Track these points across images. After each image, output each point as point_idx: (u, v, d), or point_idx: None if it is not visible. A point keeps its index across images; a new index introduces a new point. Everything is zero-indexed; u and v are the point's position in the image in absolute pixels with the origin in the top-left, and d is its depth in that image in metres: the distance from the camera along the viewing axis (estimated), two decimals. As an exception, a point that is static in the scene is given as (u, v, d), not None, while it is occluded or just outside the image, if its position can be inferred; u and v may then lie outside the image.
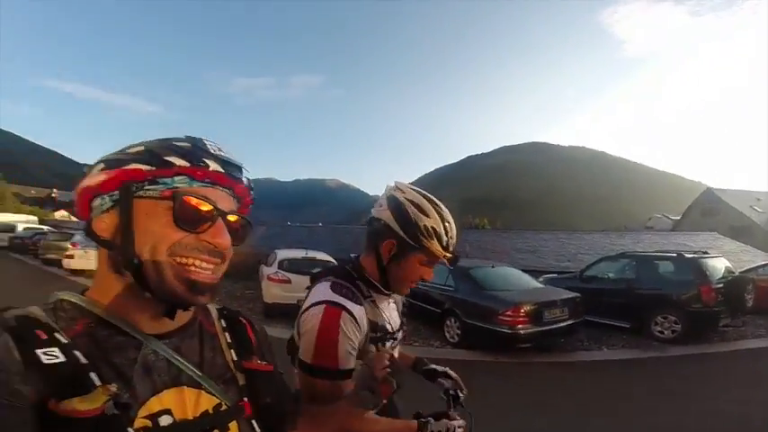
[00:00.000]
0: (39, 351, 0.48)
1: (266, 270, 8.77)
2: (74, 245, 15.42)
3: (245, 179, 0.63)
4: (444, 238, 1.09)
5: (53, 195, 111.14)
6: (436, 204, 1.11)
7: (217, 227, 0.58)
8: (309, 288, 1.13)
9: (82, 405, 0.46)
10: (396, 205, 1.09)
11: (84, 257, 14.09)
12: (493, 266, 7.39)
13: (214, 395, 0.61)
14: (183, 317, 0.62)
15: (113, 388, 0.50)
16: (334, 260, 8.72)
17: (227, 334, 0.69)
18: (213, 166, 0.58)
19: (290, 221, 33.55)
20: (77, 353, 0.51)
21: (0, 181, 59.02)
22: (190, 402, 0.58)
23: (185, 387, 0.58)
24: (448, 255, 1.10)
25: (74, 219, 62.45)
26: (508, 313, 5.72)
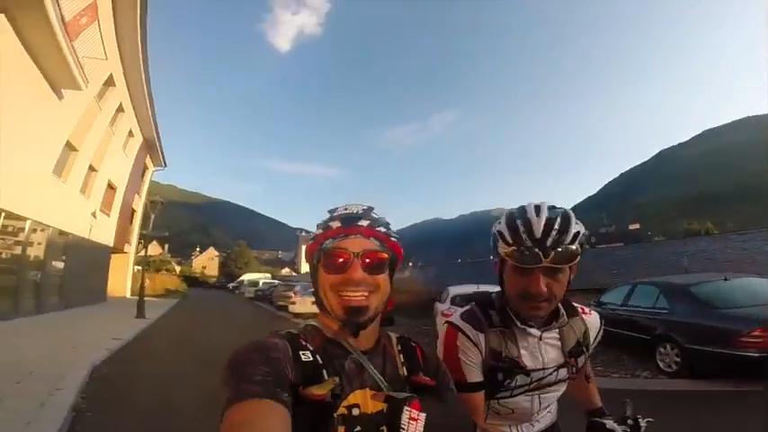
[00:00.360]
0: (300, 352, 0.72)
1: (440, 306, 9.16)
2: (294, 293, 19.32)
3: (364, 222, 0.82)
4: (509, 237, 1.01)
5: (279, 256, 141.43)
6: (521, 209, 1.03)
7: (353, 266, 0.77)
8: None
9: (317, 390, 0.67)
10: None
11: (302, 303, 17.66)
12: (726, 279, 6.03)
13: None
14: (371, 339, 0.84)
15: (336, 380, 0.70)
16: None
17: (401, 355, 0.88)
18: (335, 224, 0.82)
19: (459, 258, 33.53)
20: (317, 356, 0.74)
21: (246, 249, 78.29)
22: (372, 401, 0.75)
23: (369, 389, 0.76)
24: (519, 249, 0.97)
25: (294, 273, 77.94)
26: (755, 333, 4.45)
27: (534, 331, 1.08)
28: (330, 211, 0.86)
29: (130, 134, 19.25)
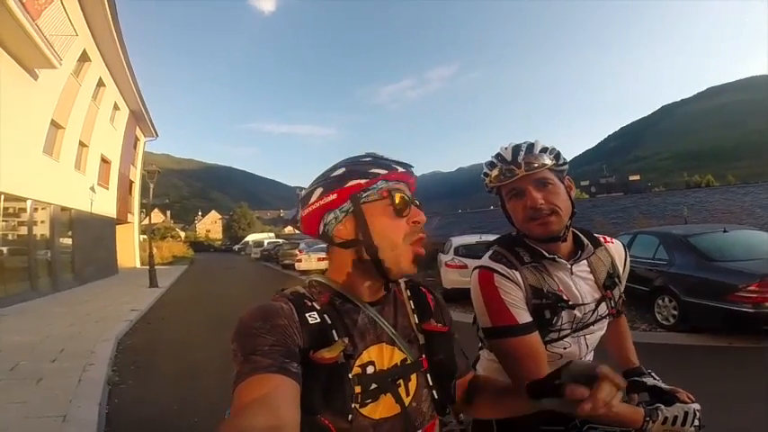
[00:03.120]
0: (307, 314, 0.69)
1: (443, 257, 9.24)
2: (300, 251, 19.63)
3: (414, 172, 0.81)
4: (488, 170, 1.11)
5: (281, 215, 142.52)
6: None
7: (413, 210, 0.75)
8: None
9: (327, 354, 0.64)
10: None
11: (308, 260, 17.87)
12: (725, 231, 5.98)
13: (403, 351, 0.75)
14: (382, 288, 0.80)
15: (347, 341, 0.68)
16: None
17: (411, 301, 0.84)
18: (400, 168, 0.77)
19: (460, 209, 33.54)
20: (325, 315, 0.71)
21: (248, 210, 78.64)
22: (386, 356, 0.73)
23: (384, 344, 0.74)
24: (512, 173, 1.05)
25: (297, 231, 78.56)
26: (752, 288, 4.51)
27: (564, 262, 1.06)
28: (372, 156, 0.79)
29: (116, 107, 18.96)
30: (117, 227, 20.05)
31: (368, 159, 0.78)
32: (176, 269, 22.18)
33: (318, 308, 0.71)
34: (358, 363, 0.70)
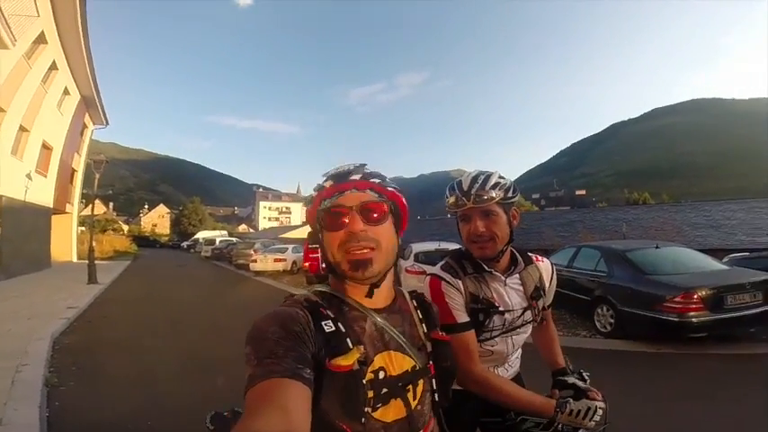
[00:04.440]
0: (322, 322, 0.71)
1: (403, 263, 9.42)
2: (255, 251, 19.03)
3: (356, 176, 0.81)
4: (448, 194, 1.27)
5: (235, 212, 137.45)
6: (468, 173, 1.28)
7: (352, 220, 0.76)
8: None
9: (343, 361, 0.67)
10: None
11: (263, 261, 17.32)
12: (657, 247, 6.51)
13: (412, 358, 0.79)
14: (387, 298, 0.84)
15: (362, 349, 0.71)
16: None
17: (418, 311, 0.89)
18: (328, 184, 0.81)
19: (419, 216, 34.06)
20: (339, 323, 0.73)
21: (200, 206, 75.09)
22: (396, 363, 0.76)
23: (392, 351, 0.77)
24: (463, 204, 1.22)
25: (252, 230, 76.33)
26: (677, 299, 5.00)
27: (499, 275, 1.28)
28: (324, 175, 0.85)
29: (66, 92, 17.76)
30: (53, 217, 18.52)
31: (323, 178, 0.84)
32: (118, 265, 20.80)
33: (333, 316, 0.74)
34: (370, 369, 0.73)
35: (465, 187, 1.23)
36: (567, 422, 1.12)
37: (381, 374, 0.74)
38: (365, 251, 0.75)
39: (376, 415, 0.72)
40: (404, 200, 0.86)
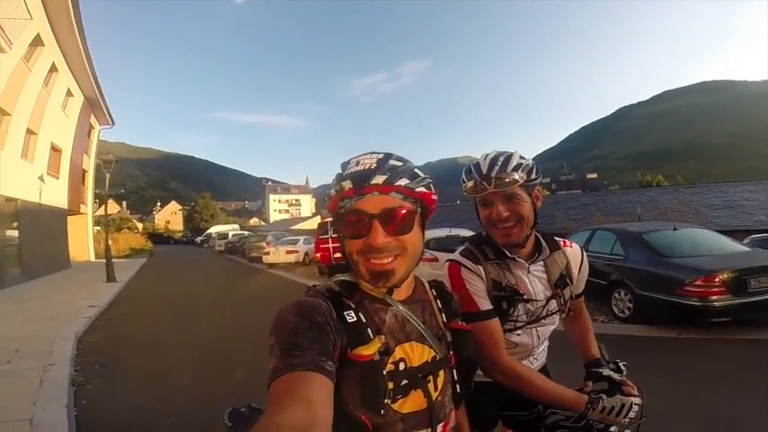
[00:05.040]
0: (345, 313, 0.71)
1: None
2: (268, 244, 19.25)
3: (379, 178, 0.72)
4: (465, 178, 1.19)
5: (246, 206, 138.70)
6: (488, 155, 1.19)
7: (373, 230, 0.71)
8: None
9: (364, 351, 0.67)
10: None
11: (276, 253, 17.55)
12: (675, 229, 6.35)
13: (432, 349, 0.78)
14: (408, 288, 0.82)
15: (383, 339, 0.71)
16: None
17: (438, 301, 0.87)
18: (347, 185, 0.74)
19: (428, 204, 33.88)
20: (360, 314, 0.73)
21: (211, 201, 75.80)
22: (416, 353, 0.76)
23: (414, 342, 0.77)
24: (483, 188, 1.14)
25: (263, 223, 77.00)
26: (697, 283, 4.88)
27: (522, 261, 1.20)
28: (343, 165, 0.78)
29: (69, 94, 17.88)
30: (69, 218, 18.86)
31: (342, 170, 0.77)
32: (135, 262, 21.17)
33: (354, 306, 0.73)
34: (391, 360, 0.72)
35: (484, 170, 1.14)
36: (599, 419, 1.06)
37: (402, 365, 0.73)
38: (387, 263, 0.73)
39: (395, 407, 0.71)
40: (433, 196, 0.80)
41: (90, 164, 23.11)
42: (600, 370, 1.22)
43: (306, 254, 17.25)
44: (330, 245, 12.73)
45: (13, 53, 10.97)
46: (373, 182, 0.72)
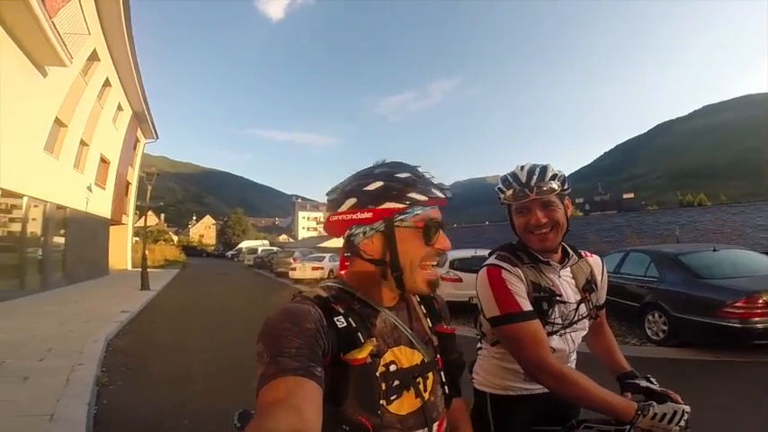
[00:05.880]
0: (334, 318, 0.71)
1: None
2: (294, 260, 19.60)
3: (448, 194, 0.81)
4: (504, 187, 1.25)
5: (276, 223, 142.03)
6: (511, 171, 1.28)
7: (441, 236, 0.78)
8: None
9: (357, 355, 0.68)
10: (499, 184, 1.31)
11: (302, 269, 17.88)
12: (715, 250, 6.14)
13: (421, 352, 0.80)
14: (396, 294, 0.83)
15: (375, 343, 0.72)
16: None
17: (422, 306, 0.90)
18: (438, 194, 0.78)
19: (455, 224, 33.60)
20: (350, 319, 0.73)
21: (243, 217, 78.27)
22: (406, 357, 0.78)
23: (402, 346, 0.78)
24: (525, 195, 1.20)
25: (291, 240, 78.71)
26: (738, 304, 4.64)
27: (556, 264, 1.25)
28: (413, 172, 0.79)
29: (119, 108, 19.07)
30: (110, 228, 19.93)
31: (406, 177, 0.78)
32: (168, 273, 21.99)
33: (342, 311, 0.74)
34: (382, 363, 0.74)
35: (524, 179, 1.21)
36: (649, 427, 1.00)
37: (393, 367, 0.75)
38: (439, 270, 0.79)
39: (391, 408, 0.73)
40: None
41: (134, 176, 24.44)
42: (637, 381, 1.19)
43: (331, 270, 17.46)
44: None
45: (73, 67, 11.70)
46: (448, 195, 0.81)
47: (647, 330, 5.80)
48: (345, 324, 0.72)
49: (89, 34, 11.90)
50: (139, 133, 24.28)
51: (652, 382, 1.16)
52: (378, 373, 0.71)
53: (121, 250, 23.13)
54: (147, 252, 15.09)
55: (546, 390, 1.18)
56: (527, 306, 1.14)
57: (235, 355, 5.72)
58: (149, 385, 4.38)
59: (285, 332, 0.64)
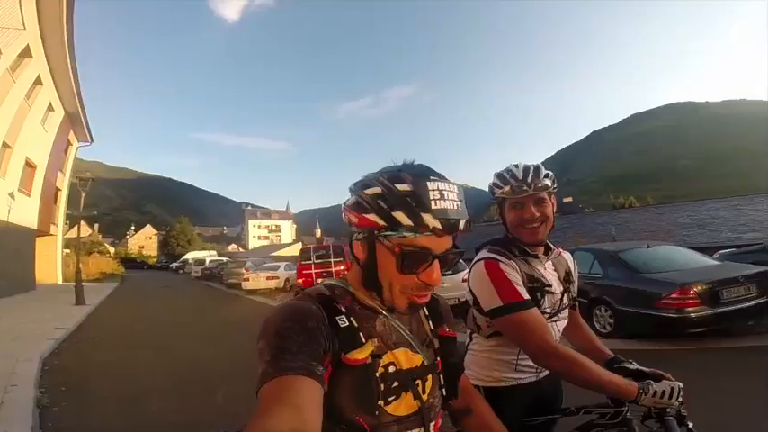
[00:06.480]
0: (336, 317, 0.71)
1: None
2: (247, 270, 18.86)
3: (464, 224, 0.69)
4: (500, 182, 1.32)
5: (224, 232, 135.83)
6: (506, 168, 1.35)
7: (432, 267, 0.70)
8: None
9: (358, 355, 0.67)
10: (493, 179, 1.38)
11: (256, 279, 17.22)
12: (648, 246, 6.61)
13: (420, 355, 0.79)
14: None
15: (376, 343, 0.72)
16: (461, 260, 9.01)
17: (424, 308, 0.85)
18: (432, 222, 0.66)
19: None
20: (352, 319, 0.72)
21: (188, 226, 74.11)
22: (406, 359, 0.76)
23: (402, 348, 0.77)
24: (523, 191, 1.27)
25: (242, 250, 75.52)
26: (674, 295, 5.05)
27: (543, 257, 1.34)
28: (414, 182, 0.68)
29: (50, 108, 17.52)
30: (37, 239, 18.10)
31: (403, 191, 0.68)
32: (105, 286, 20.38)
33: (344, 311, 0.73)
34: (381, 364, 0.72)
35: (521, 176, 1.28)
36: (652, 404, 1.06)
37: (392, 369, 0.74)
38: (428, 297, 0.75)
39: (389, 409, 0.72)
40: None
41: (64, 182, 22.40)
42: (626, 365, 1.23)
43: (287, 280, 17.06)
44: (313, 270, 12.59)
45: (1, 63, 10.79)
46: (460, 227, 0.69)
47: (596, 324, 6.11)
48: (347, 324, 0.71)
49: (24, 29, 10.91)
50: (72, 136, 22.32)
51: (636, 365, 1.23)
52: (377, 374, 0.70)
53: (50, 263, 21.07)
54: (80, 265, 13.89)
55: (532, 379, 1.30)
56: (527, 295, 1.19)
57: (191, 370, 5.44)
58: (99, 405, 4.03)
59: (287, 330, 0.64)
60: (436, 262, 0.70)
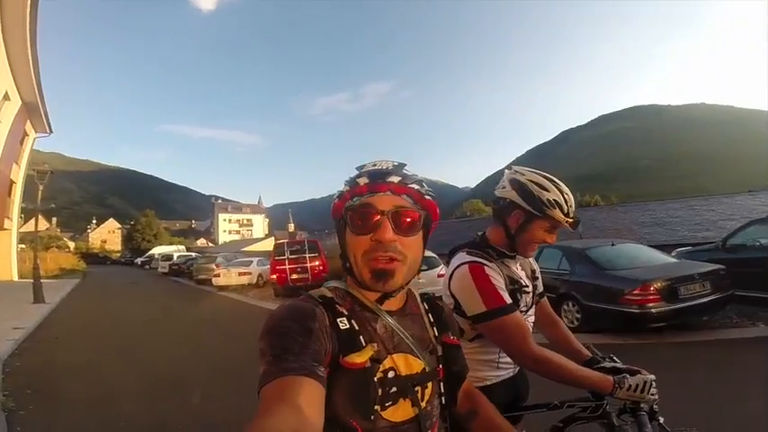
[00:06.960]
0: (338, 319, 0.71)
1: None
2: (217, 266, 18.40)
3: (395, 178, 0.76)
4: (565, 207, 1.26)
5: (193, 226, 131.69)
6: (553, 180, 1.29)
7: (383, 226, 0.72)
8: (448, 263, 1.39)
9: (357, 358, 0.67)
10: (519, 185, 1.29)
11: (227, 275, 16.78)
12: (613, 244, 6.86)
13: (421, 361, 0.78)
14: (400, 301, 0.82)
15: (376, 347, 0.71)
16: (435, 255, 9.08)
17: (429, 315, 0.87)
18: (362, 181, 0.76)
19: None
20: (353, 321, 0.73)
21: (154, 219, 71.22)
22: (405, 364, 0.75)
23: (402, 353, 0.76)
24: (569, 220, 1.26)
25: (211, 245, 73.35)
26: (635, 292, 5.33)
27: (518, 258, 1.38)
28: (358, 168, 0.80)
29: (6, 97, 16.48)
30: (-10, 234, 17.03)
31: (355, 175, 0.79)
32: (66, 283, 19.36)
33: (346, 313, 0.73)
34: (381, 368, 0.72)
35: (573, 208, 1.31)
36: (627, 397, 1.11)
37: (391, 374, 0.73)
38: (391, 261, 0.73)
39: (385, 414, 0.71)
40: (438, 210, 0.82)
41: (20, 174, 21.10)
42: (602, 364, 1.26)
43: (260, 275, 16.74)
44: (287, 266, 12.25)
45: None
46: (389, 179, 0.76)
47: (564, 319, 6.28)
48: (348, 326, 0.71)
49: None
50: (29, 126, 21.03)
51: (616, 361, 1.27)
52: (375, 379, 0.70)
53: (5, 259, 19.89)
54: (38, 260, 13.16)
55: (511, 374, 1.35)
56: (509, 299, 1.22)
57: (162, 369, 5.32)
58: (68, 408, 3.91)
59: (288, 330, 0.64)
60: (386, 220, 0.72)
